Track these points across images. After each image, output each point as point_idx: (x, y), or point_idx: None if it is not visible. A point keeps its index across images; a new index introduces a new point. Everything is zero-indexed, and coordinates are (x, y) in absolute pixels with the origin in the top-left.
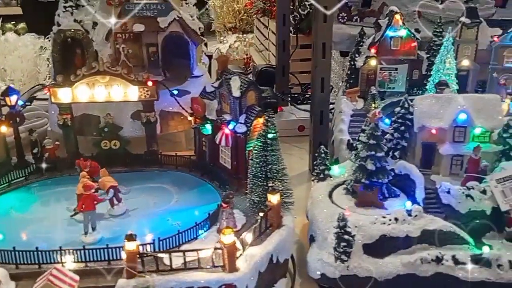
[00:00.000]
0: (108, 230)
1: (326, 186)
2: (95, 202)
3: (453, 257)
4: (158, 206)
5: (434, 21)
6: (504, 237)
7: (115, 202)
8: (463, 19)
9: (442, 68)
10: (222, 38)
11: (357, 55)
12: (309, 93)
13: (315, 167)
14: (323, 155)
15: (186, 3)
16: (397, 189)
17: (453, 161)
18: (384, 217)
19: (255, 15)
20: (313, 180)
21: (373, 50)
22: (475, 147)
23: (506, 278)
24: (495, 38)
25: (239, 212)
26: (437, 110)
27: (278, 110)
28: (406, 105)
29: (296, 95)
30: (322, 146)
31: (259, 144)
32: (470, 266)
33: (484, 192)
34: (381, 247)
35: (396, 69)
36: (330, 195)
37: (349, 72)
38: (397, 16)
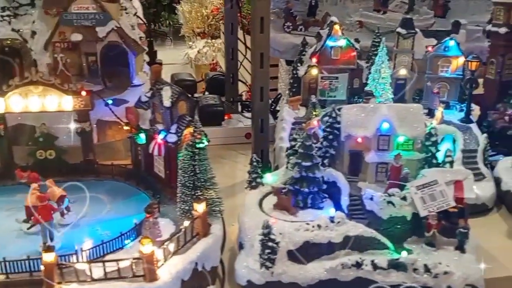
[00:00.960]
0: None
1: (257, 194)
2: (52, 212)
3: (372, 262)
4: (89, 216)
5: (375, 31)
6: (424, 242)
7: (65, 211)
8: (399, 29)
9: (377, 77)
10: (191, 43)
11: (299, 64)
12: None
13: (248, 175)
14: (255, 163)
15: (127, 13)
16: (325, 200)
17: (378, 168)
18: (307, 224)
19: (221, 21)
20: (246, 188)
21: (314, 60)
22: (396, 155)
23: (421, 282)
24: (430, 48)
25: (170, 221)
26: (363, 120)
27: (226, 117)
28: (334, 115)
29: (247, 102)
30: (254, 155)
31: (187, 154)
32: (388, 270)
33: (404, 198)
34: (304, 252)
35: (337, 78)
36: (260, 203)
37: (291, 81)
38: (336, 27)
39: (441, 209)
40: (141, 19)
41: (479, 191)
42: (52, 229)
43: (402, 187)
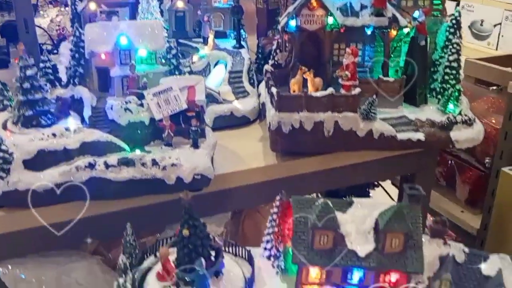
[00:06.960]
0: None
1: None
2: None
3: (105, 162)
4: None
5: None
6: (163, 144)
7: None
8: None
9: (146, 8)
10: (42, 12)
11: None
12: None
13: None
14: None
15: None
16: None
17: (124, 81)
18: (43, 134)
19: None
20: None
21: None
22: (130, 65)
23: (150, 174)
24: None
25: None
26: (105, 37)
27: None
28: (78, 33)
29: None
30: None
31: None
32: (119, 167)
33: (142, 105)
34: (41, 161)
35: (117, 12)
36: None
37: (71, 17)
38: None
39: (175, 111)
40: None
41: (241, 106)
42: None
43: (141, 95)
